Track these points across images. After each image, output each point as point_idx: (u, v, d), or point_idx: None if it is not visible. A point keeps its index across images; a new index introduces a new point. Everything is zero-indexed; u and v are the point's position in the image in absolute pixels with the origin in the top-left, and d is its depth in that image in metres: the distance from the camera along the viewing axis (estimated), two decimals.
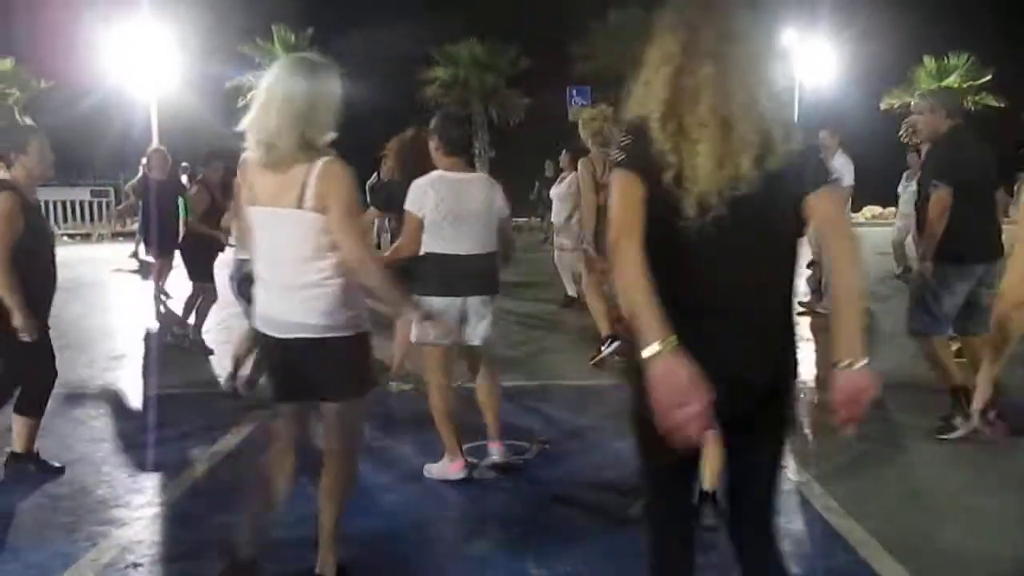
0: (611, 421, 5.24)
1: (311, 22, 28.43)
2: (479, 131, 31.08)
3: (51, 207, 20.49)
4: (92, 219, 22.71)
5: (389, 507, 4.01)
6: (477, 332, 4.25)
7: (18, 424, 4.39)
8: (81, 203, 22.78)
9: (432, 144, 4.23)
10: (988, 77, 27.83)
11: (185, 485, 4.32)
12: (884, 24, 26.75)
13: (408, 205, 4.09)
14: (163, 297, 10.04)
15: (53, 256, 4.39)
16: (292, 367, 2.97)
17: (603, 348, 7.14)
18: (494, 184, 4.36)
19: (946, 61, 28.72)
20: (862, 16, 26.95)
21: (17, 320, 4.08)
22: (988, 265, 4.78)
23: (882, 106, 28.85)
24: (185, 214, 8.58)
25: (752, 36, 2.08)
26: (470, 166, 4.45)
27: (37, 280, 4.21)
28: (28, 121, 23.96)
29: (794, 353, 2.14)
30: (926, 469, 4.51)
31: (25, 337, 4.11)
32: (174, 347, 7.83)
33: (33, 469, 4.39)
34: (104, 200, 22.77)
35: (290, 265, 2.88)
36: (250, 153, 2.87)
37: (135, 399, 6.09)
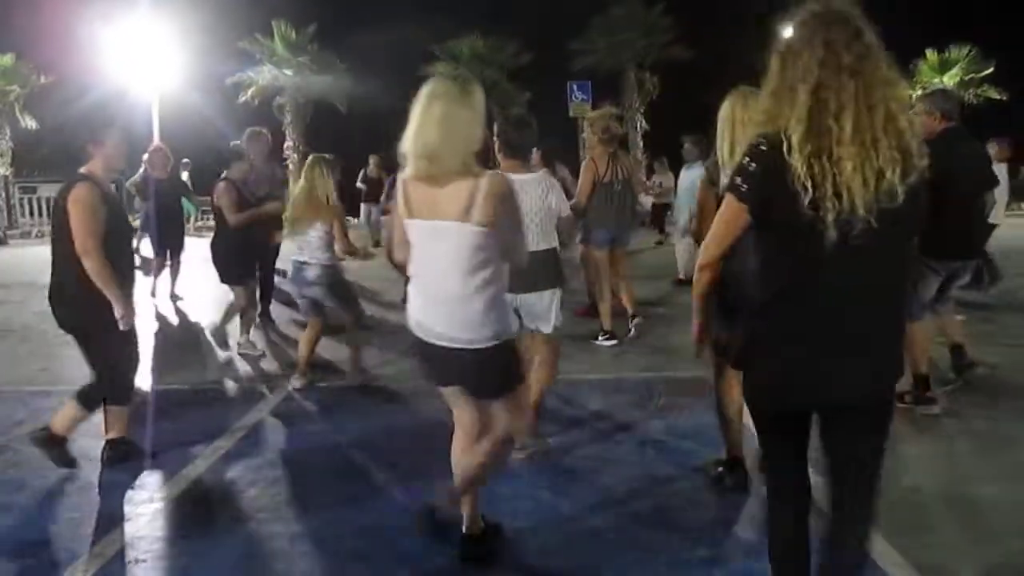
0: (605, 418, 5.26)
1: (312, 18, 28.39)
2: None
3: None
4: None
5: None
6: (540, 324, 4.46)
7: (114, 413, 4.55)
8: None
9: (496, 146, 4.40)
10: (990, 70, 27.74)
11: (188, 481, 4.33)
12: (886, 18, 26.67)
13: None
14: (175, 298, 10.05)
15: (132, 245, 4.57)
16: (450, 368, 3.11)
17: (600, 338, 7.22)
18: (552, 184, 4.48)
19: (948, 54, 28.64)
20: (863, 9, 26.87)
21: (119, 310, 4.21)
22: (964, 261, 5.29)
23: None
24: (188, 213, 8.58)
25: (881, 53, 2.19)
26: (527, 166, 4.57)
27: (122, 268, 4.33)
28: (28, 118, 24.06)
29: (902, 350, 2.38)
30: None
31: (124, 326, 4.25)
32: (176, 345, 7.84)
33: (130, 452, 4.58)
34: None
35: (450, 276, 2.98)
36: (408, 169, 2.98)
37: (137, 395, 6.09)
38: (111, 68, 21.50)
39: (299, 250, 5.91)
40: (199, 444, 4.82)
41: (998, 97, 27.19)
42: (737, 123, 3.70)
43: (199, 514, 3.94)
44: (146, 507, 3.99)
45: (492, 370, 3.06)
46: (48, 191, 21.02)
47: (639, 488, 4.12)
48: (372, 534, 3.64)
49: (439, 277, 3.00)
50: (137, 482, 4.31)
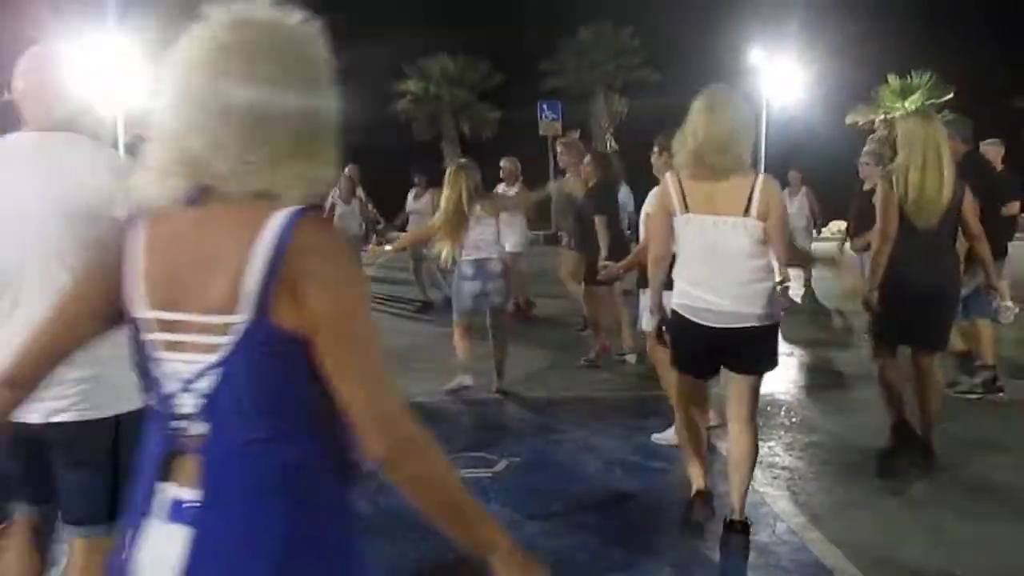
0: (578, 434, 5.24)
1: None
2: (449, 145, 31.18)
3: None
4: None
5: None
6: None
7: None
8: None
9: (659, 155, 4.73)
10: (950, 95, 28.39)
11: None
12: (849, 43, 27.26)
13: (654, 210, 4.25)
14: None
15: None
16: (724, 348, 3.41)
17: (591, 355, 7.11)
18: None
19: (909, 80, 29.29)
20: (828, 36, 27.45)
21: None
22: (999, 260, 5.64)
23: (847, 122, 29.35)
24: None
25: None
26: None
27: None
28: None
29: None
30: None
31: None
32: None
33: None
34: None
35: (735, 263, 3.33)
36: (688, 168, 3.37)
37: None
38: (77, 84, 21.28)
39: (475, 249, 5.99)
40: None
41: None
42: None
43: None
44: None
45: (767, 347, 3.45)
46: None
47: (609, 507, 4.12)
48: None
49: (724, 265, 3.33)
50: None
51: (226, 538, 1.27)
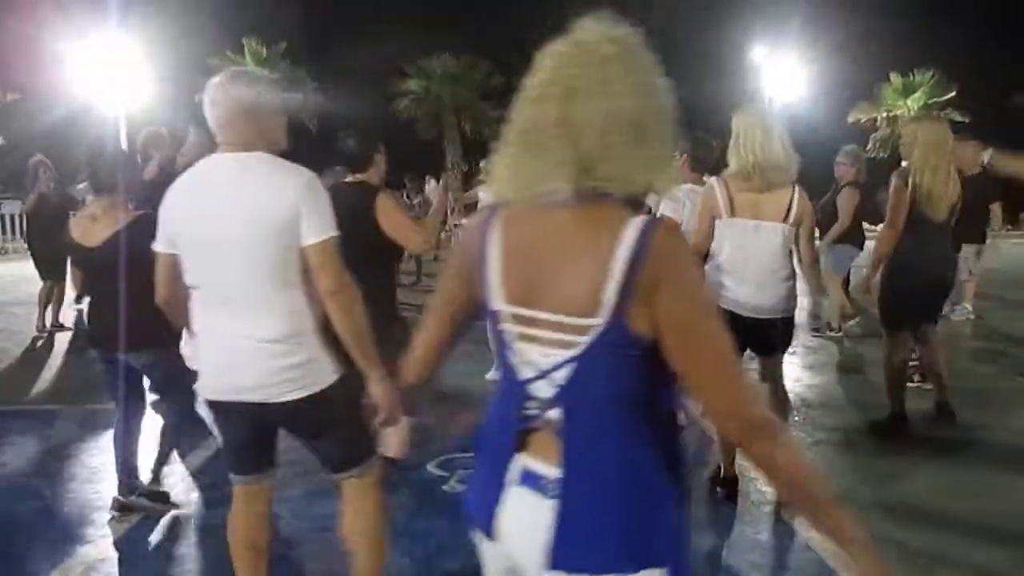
0: None
1: (283, 36, 28.39)
2: (451, 145, 31.18)
3: (16, 220, 20.20)
4: None
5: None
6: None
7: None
8: None
9: (680, 160, 4.89)
10: (952, 93, 28.35)
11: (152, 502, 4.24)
12: (851, 41, 27.23)
13: (671, 212, 4.68)
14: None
15: None
16: (755, 333, 3.83)
17: None
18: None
19: (911, 78, 29.26)
20: (830, 34, 27.41)
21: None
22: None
23: (849, 120, 29.32)
24: None
25: None
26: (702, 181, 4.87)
27: None
28: None
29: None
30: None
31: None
32: None
33: None
34: (72, 213, 22.38)
35: (770, 263, 3.82)
36: (738, 177, 3.80)
37: (101, 415, 5.98)
38: (78, 84, 21.28)
39: None
40: (166, 464, 4.73)
41: (960, 120, 27.80)
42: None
43: (165, 535, 3.86)
44: (109, 528, 3.91)
45: (790, 330, 4.03)
46: (11, 208, 20.65)
47: None
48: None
49: (763, 264, 3.81)
50: (100, 503, 4.21)
51: (586, 517, 1.40)
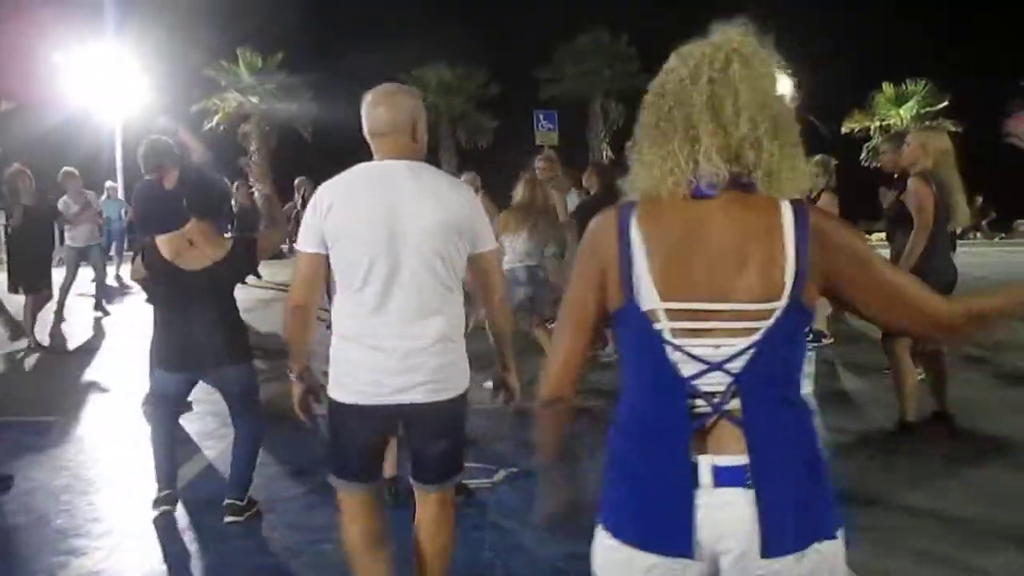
0: (577, 443, 5.22)
1: (280, 46, 28.41)
2: (446, 155, 31.21)
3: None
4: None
5: None
6: None
7: None
8: None
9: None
10: (945, 103, 28.47)
11: (146, 514, 4.22)
12: (845, 51, 27.36)
13: None
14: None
15: None
16: None
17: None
18: None
19: (904, 87, 29.38)
20: (823, 43, 27.54)
21: None
22: None
23: (843, 130, 29.44)
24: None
25: None
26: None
27: None
28: None
29: None
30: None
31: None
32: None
33: None
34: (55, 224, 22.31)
35: None
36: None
37: (95, 427, 5.98)
38: (74, 94, 21.29)
39: (527, 256, 6.44)
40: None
41: (953, 129, 27.91)
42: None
43: (158, 546, 3.85)
44: (104, 540, 3.90)
45: None
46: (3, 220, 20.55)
47: None
48: None
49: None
50: (95, 515, 4.20)
51: (786, 497, 1.44)
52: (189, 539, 3.93)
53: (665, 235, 1.46)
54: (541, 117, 22.82)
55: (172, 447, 4.16)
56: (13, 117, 23.80)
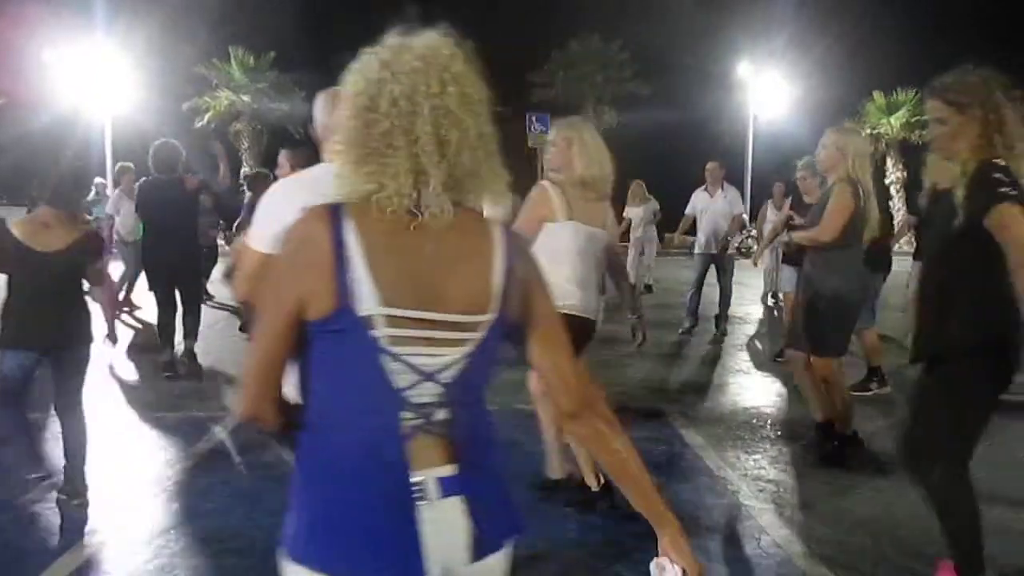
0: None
1: (272, 45, 28.35)
2: None
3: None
4: None
5: None
6: None
7: None
8: None
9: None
10: None
11: (136, 510, 4.21)
12: (836, 59, 27.51)
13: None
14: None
15: None
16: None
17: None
18: None
19: (895, 96, 29.55)
20: (815, 51, 27.70)
21: None
22: None
23: None
24: None
25: None
26: None
27: None
28: None
29: None
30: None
31: None
32: (148, 373, 7.65)
33: None
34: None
35: (595, 266, 4.11)
36: (579, 187, 4.01)
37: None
38: (64, 90, 21.19)
39: None
40: (149, 472, 4.69)
41: None
42: None
43: (148, 542, 3.84)
44: (93, 537, 3.88)
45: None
46: (1, 212, 20.42)
47: (607, 517, 4.11)
48: None
49: (591, 267, 4.04)
50: (84, 511, 4.18)
51: (488, 500, 1.50)
52: (178, 535, 3.92)
53: (382, 241, 1.40)
54: (534, 120, 22.85)
55: (29, 429, 4.42)
56: (2, 114, 23.70)
